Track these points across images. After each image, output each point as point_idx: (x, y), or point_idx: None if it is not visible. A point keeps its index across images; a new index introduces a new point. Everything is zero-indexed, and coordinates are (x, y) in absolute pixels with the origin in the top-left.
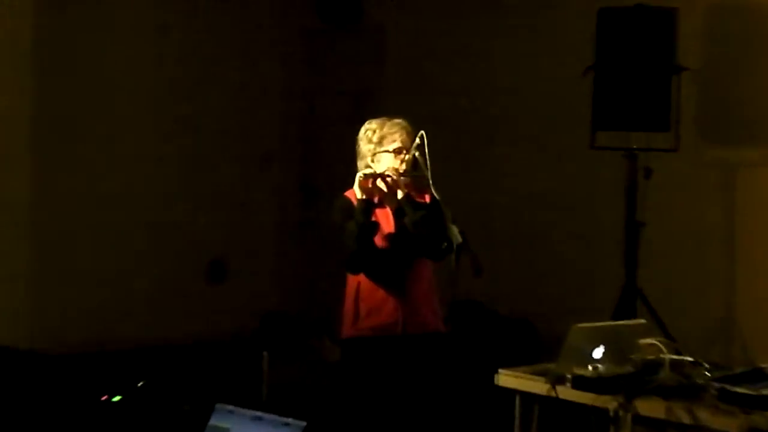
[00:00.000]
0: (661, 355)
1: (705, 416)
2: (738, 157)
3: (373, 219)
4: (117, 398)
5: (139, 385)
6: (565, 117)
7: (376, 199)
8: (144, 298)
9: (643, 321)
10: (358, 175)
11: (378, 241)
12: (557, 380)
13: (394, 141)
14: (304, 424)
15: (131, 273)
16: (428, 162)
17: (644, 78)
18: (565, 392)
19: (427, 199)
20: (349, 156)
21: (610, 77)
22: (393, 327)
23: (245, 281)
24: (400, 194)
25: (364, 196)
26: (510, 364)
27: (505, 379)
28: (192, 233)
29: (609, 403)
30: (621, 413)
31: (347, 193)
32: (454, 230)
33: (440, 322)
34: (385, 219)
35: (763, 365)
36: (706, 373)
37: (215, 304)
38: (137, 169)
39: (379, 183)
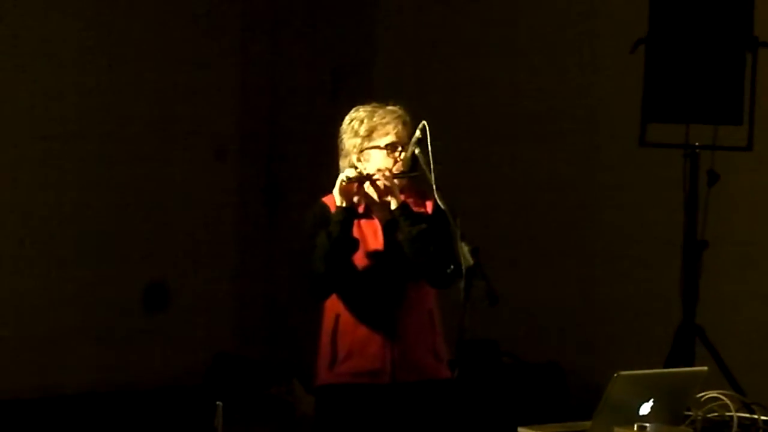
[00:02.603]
0: (728, 413)
1: None
2: None
3: (356, 234)
4: None
5: None
6: (607, 105)
7: (361, 209)
8: (62, 334)
9: (704, 368)
10: (340, 178)
11: (360, 261)
12: None
13: (387, 134)
14: None
15: (49, 300)
16: (431, 161)
17: (710, 55)
18: None
19: (429, 208)
20: (328, 152)
21: (666, 54)
22: (378, 373)
23: (192, 311)
24: (393, 203)
25: (344, 204)
26: (532, 421)
27: None
28: (126, 249)
29: None
30: None
31: (326, 199)
32: (464, 249)
33: (442, 367)
34: (373, 234)
35: None
36: None
37: (154, 340)
38: (50, 165)
39: (368, 188)
